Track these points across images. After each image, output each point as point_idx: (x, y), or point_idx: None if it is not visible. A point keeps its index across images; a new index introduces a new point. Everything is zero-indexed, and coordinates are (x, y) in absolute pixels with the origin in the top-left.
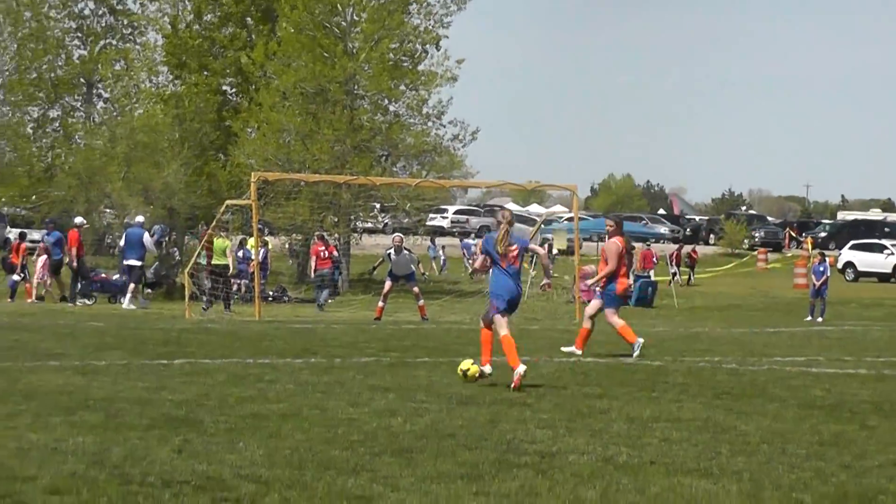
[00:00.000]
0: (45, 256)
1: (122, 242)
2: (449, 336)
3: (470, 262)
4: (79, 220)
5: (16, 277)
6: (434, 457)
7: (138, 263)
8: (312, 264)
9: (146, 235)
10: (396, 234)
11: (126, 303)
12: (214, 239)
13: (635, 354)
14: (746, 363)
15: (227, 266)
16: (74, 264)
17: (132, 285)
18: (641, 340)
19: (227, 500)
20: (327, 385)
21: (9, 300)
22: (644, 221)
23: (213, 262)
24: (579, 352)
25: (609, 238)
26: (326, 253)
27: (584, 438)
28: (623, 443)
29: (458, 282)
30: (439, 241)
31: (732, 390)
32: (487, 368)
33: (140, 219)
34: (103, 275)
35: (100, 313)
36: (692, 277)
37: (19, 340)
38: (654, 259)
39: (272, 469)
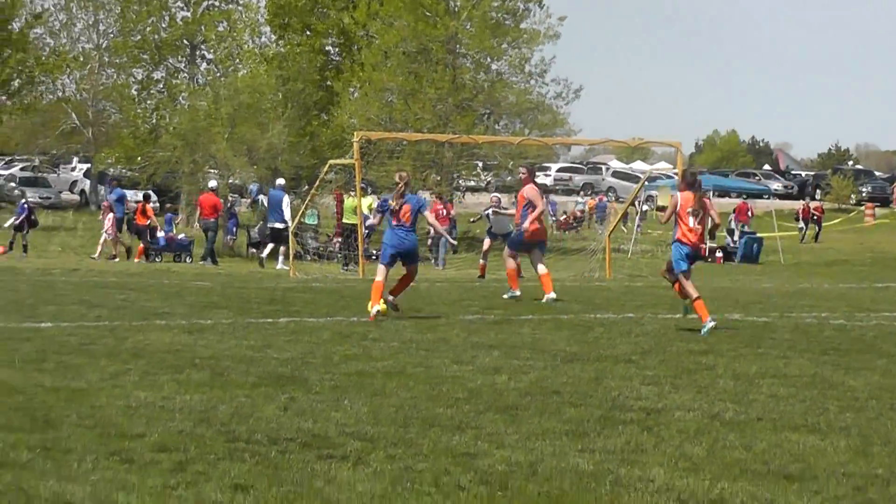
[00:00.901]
0: (111, 215)
1: (265, 206)
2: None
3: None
4: (213, 183)
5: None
6: (539, 414)
7: (281, 226)
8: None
9: (285, 198)
10: (494, 194)
11: (279, 264)
12: (345, 198)
13: (505, 296)
14: (854, 318)
15: (356, 225)
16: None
17: (282, 248)
18: (519, 293)
19: (333, 458)
20: (431, 343)
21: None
22: (757, 177)
23: (343, 220)
24: (517, 292)
25: (525, 185)
26: (445, 212)
27: (690, 395)
28: (729, 399)
29: (562, 239)
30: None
31: (840, 346)
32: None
33: (280, 181)
34: (169, 234)
35: (205, 273)
36: (819, 234)
37: (126, 300)
38: (749, 213)
39: (377, 426)
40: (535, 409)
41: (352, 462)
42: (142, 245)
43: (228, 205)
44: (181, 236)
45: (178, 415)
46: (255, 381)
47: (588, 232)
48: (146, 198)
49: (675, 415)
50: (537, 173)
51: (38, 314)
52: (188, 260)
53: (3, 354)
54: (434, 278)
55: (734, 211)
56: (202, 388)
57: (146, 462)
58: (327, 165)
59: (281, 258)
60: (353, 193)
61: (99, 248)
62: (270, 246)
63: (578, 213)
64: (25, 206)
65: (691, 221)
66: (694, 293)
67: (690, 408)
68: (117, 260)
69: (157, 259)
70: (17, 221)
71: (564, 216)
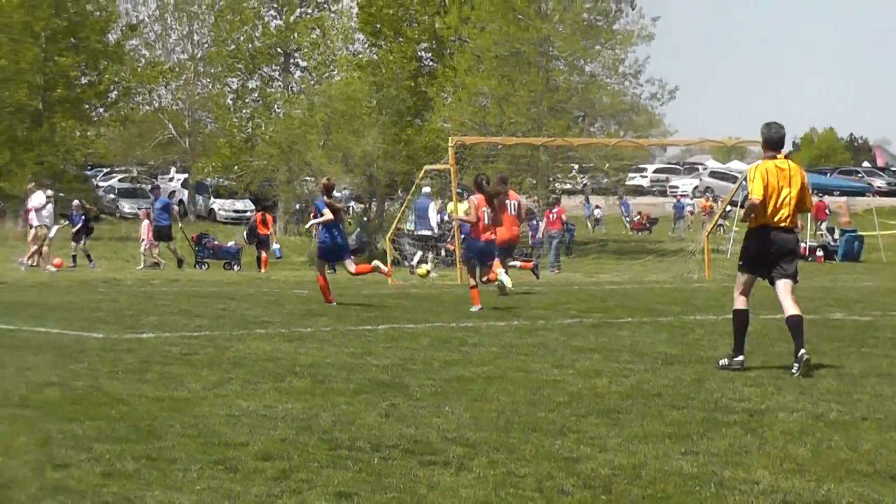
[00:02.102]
0: (146, 222)
1: (411, 215)
2: (651, 296)
3: (628, 220)
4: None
5: (276, 246)
6: (641, 417)
7: (429, 233)
8: (542, 226)
9: (431, 206)
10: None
11: (415, 268)
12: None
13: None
14: None
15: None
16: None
17: (429, 254)
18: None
19: (436, 464)
20: (530, 347)
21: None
22: (859, 175)
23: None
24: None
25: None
26: (555, 215)
27: (793, 395)
28: (833, 399)
29: (661, 241)
30: (593, 199)
31: None
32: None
33: (426, 189)
34: (216, 242)
35: (304, 281)
36: None
37: (226, 309)
38: (827, 210)
39: (479, 432)
40: (636, 413)
41: (454, 468)
42: (265, 255)
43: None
44: (230, 244)
45: (280, 423)
46: (355, 388)
47: (659, 233)
48: (265, 208)
49: (778, 416)
50: (509, 181)
51: (139, 325)
52: (236, 268)
53: (106, 365)
54: (531, 282)
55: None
56: (303, 396)
57: (250, 471)
58: (423, 171)
59: (430, 265)
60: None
61: (142, 260)
62: (419, 254)
63: (650, 215)
64: (80, 215)
65: (486, 218)
66: (472, 282)
67: (794, 409)
68: (162, 267)
69: (204, 267)
70: (74, 230)
71: (638, 217)
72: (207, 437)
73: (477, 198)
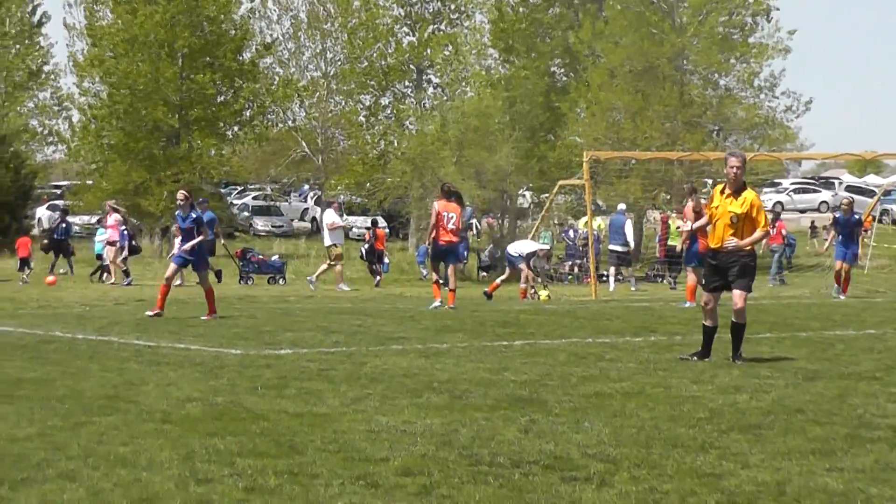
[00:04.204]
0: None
1: (607, 230)
2: (789, 311)
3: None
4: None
5: (386, 261)
6: (783, 433)
7: (622, 249)
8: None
9: (628, 222)
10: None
11: (611, 286)
12: (669, 220)
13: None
14: None
15: (675, 246)
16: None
17: (620, 270)
18: (692, 305)
19: (577, 479)
20: (669, 363)
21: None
22: None
23: (668, 243)
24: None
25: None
26: (775, 230)
27: None
28: None
29: (797, 256)
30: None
31: None
32: None
33: (622, 206)
34: (260, 256)
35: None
36: None
37: (362, 325)
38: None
39: (619, 447)
40: (779, 428)
41: (596, 484)
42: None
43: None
44: (274, 258)
45: (419, 438)
46: (493, 403)
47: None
48: (374, 223)
49: None
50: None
51: (277, 341)
52: (281, 282)
53: (245, 381)
54: (668, 297)
55: None
56: (442, 412)
57: (391, 486)
58: (557, 186)
59: (612, 279)
60: (675, 214)
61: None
62: (612, 269)
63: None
64: (126, 232)
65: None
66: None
67: None
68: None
69: (249, 282)
70: (122, 247)
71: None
72: (348, 453)
73: (440, 203)
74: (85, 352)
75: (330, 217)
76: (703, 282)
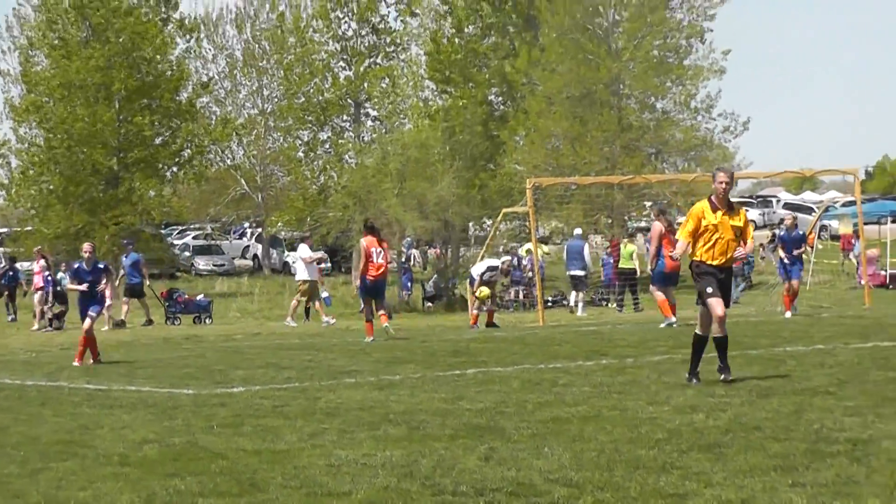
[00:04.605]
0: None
1: (564, 255)
2: (738, 329)
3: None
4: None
5: (326, 294)
6: (743, 450)
7: (581, 273)
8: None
9: (586, 247)
10: (506, 257)
11: (580, 311)
12: (621, 244)
13: (662, 325)
14: None
15: (633, 270)
16: None
17: (580, 294)
18: (674, 320)
19: None
20: (623, 385)
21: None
22: None
23: (619, 266)
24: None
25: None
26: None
27: None
28: None
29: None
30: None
31: None
32: None
33: (578, 231)
34: (186, 296)
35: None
36: None
37: (312, 360)
38: (852, 241)
39: (581, 472)
40: (738, 446)
41: None
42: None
43: (403, 259)
44: (199, 297)
45: (380, 471)
46: (451, 432)
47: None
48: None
49: (882, 444)
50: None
51: (228, 379)
52: (208, 321)
53: (201, 421)
54: (613, 320)
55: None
56: (401, 443)
57: None
58: (501, 214)
59: (580, 304)
60: (627, 239)
61: (106, 317)
62: (574, 293)
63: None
64: (50, 278)
65: (376, 258)
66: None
67: None
68: (126, 325)
69: (176, 322)
70: (47, 293)
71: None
72: (310, 488)
73: (367, 240)
74: (36, 398)
75: (304, 252)
76: (715, 294)
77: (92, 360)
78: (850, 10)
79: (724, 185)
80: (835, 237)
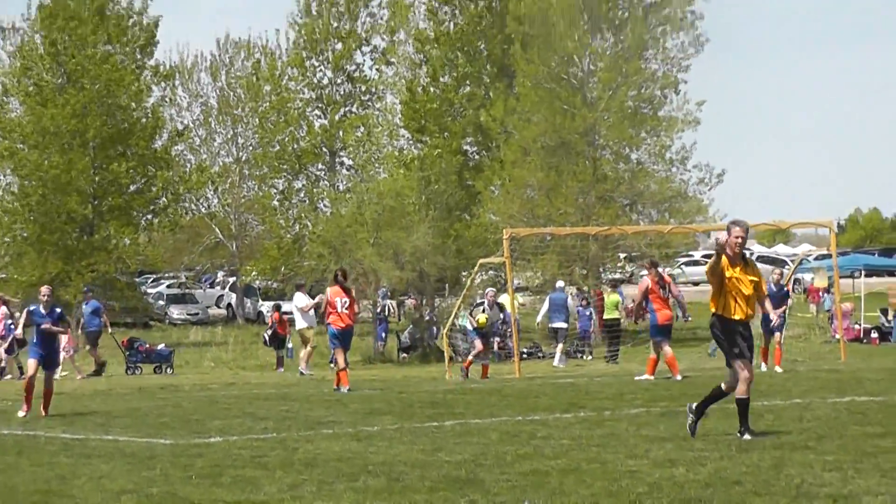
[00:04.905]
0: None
1: (545, 306)
2: (714, 383)
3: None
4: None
5: (290, 346)
6: None
7: (564, 325)
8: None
9: (569, 299)
10: (490, 288)
11: (556, 361)
12: (605, 295)
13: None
14: None
15: (618, 320)
16: None
17: (560, 345)
18: (679, 378)
19: None
20: (601, 438)
21: (280, 370)
22: None
23: (605, 316)
24: (651, 377)
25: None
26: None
27: (875, 479)
28: None
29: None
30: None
31: None
32: None
33: (560, 283)
34: (147, 345)
35: (359, 379)
36: None
37: (290, 410)
38: (821, 293)
39: None
40: (719, 501)
41: None
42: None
43: (378, 310)
44: (160, 346)
45: None
46: (431, 485)
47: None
48: (278, 307)
49: (863, 500)
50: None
51: (205, 429)
52: (169, 371)
53: (178, 471)
54: (591, 373)
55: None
56: (381, 495)
57: None
58: (478, 265)
59: (558, 355)
60: (610, 289)
61: (74, 368)
62: (556, 345)
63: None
64: (12, 325)
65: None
66: (340, 365)
67: (878, 492)
68: (80, 377)
69: (137, 372)
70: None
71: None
72: None
73: (332, 290)
74: (13, 447)
75: (301, 300)
76: (744, 353)
77: (44, 412)
78: (824, 62)
79: (739, 240)
80: (820, 289)
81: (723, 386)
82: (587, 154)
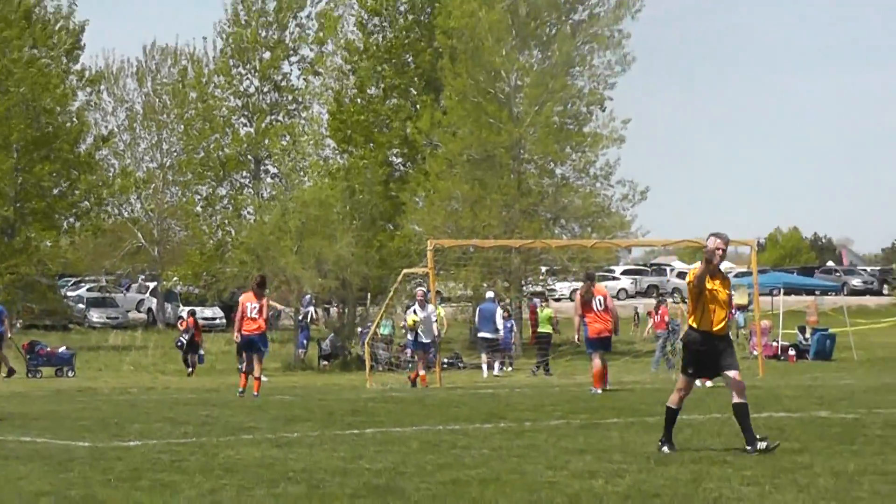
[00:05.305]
0: None
1: (476, 318)
2: (634, 396)
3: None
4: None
5: (202, 352)
6: None
7: (492, 336)
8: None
9: (498, 310)
10: (420, 288)
11: (485, 372)
12: (538, 309)
13: (592, 391)
14: None
15: (550, 334)
16: None
17: (488, 355)
18: (600, 391)
19: None
20: (521, 449)
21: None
22: (838, 273)
23: (538, 329)
24: (598, 390)
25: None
26: (659, 317)
27: (792, 494)
28: (832, 497)
29: (632, 342)
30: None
31: None
32: None
33: (490, 294)
34: (48, 349)
35: (279, 385)
36: None
37: (210, 415)
38: (734, 311)
39: None
40: None
41: None
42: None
43: (300, 317)
44: (62, 349)
45: None
46: (352, 492)
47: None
48: (192, 313)
49: None
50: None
51: (125, 433)
52: (70, 374)
53: (97, 474)
54: (511, 384)
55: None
56: (301, 502)
57: None
58: (401, 275)
59: (487, 365)
60: (544, 304)
61: None
62: (484, 356)
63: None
64: None
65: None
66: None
67: None
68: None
69: (37, 375)
70: None
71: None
72: None
73: (245, 296)
74: None
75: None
76: (690, 369)
77: None
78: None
79: (720, 252)
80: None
81: (670, 405)
82: (512, 168)
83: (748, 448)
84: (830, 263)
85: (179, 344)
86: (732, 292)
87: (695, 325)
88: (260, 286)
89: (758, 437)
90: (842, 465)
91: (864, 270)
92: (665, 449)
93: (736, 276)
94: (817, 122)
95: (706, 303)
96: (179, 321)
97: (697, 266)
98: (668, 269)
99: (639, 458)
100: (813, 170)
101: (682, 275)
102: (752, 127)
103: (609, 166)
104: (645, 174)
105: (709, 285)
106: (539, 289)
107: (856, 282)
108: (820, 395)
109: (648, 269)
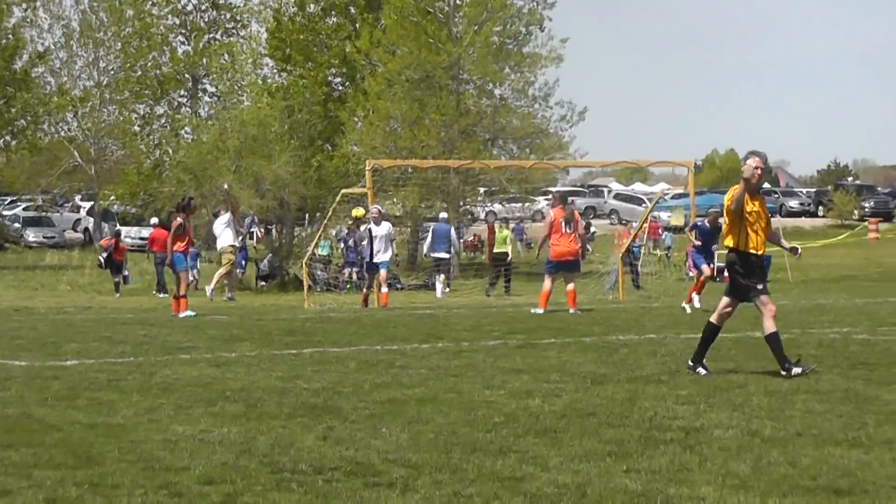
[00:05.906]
0: None
1: (429, 238)
2: (571, 317)
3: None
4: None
5: (126, 273)
6: (579, 436)
7: (447, 256)
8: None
9: (452, 230)
10: (375, 206)
11: (439, 293)
12: (496, 229)
13: (533, 311)
14: (877, 333)
15: (506, 253)
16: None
17: (442, 276)
18: (541, 311)
19: (380, 485)
20: (459, 369)
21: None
22: (776, 195)
23: (494, 250)
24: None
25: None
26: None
27: (727, 413)
28: (766, 416)
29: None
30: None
31: (868, 360)
32: None
33: (444, 215)
34: None
35: (221, 307)
36: None
37: (148, 335)
38: (660, 230)
39: (419, 453)
40: (573, 432)
41: (399, 489)
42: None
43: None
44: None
45: (218, 447)
46: (289, 411)
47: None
48: (118, 234)
49: (714, 433)
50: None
51: (62, 352)
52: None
53: (34, 393)
54: (450, 305)
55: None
56: (238, 420)
57: (195, 495)
58: (340, 195)
59: (439, 286)
60: (501, 224)
61: None
62: (440, 276)
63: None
64: None
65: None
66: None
67: (729, 426)
68: None
69: None
70: None
71: (473, 237)
72: (147, 462)
73: (181, 216)
74: None
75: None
76: (766, 289)
77: None
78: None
79: (758, 171)
80: (676, 228)
81: (713, 320)
82: (451, 88)
83: (783, 373)
84: (767, 185)
85: (99, 263)
86: (669, 214)
87: (739, 247)
88: (179, 209)
89: (791, 361)
90: (776, 385)
91: (801, 192)
92: (700, 370)
93: (673, 197)
94: (755, 43)
95: (747, 225)
96: (101, 241)
97: (736, 187)
98: (605, 190)
99: (575, 377)
100: (750, 91)
101: (619, 196)
102: (691, 47)
103: (548, 86)
104: (583, 95)
105: (748, 207)
106: (477, 210)
107: (793, 203)
108: (754, 316)
109: (586, 191)
